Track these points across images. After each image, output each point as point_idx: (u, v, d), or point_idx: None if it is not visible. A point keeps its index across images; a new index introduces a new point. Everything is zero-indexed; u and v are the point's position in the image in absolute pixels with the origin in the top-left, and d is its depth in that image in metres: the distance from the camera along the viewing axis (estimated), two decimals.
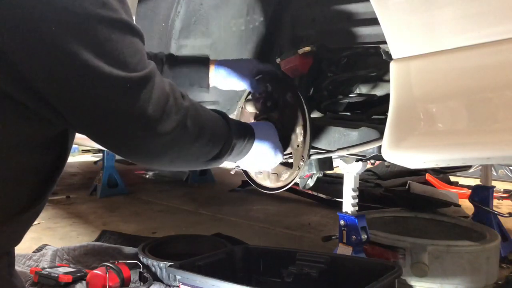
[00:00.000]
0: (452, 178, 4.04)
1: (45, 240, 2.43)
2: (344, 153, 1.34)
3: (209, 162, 1.06)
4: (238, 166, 1.30)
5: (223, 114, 1.10)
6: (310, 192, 3.52)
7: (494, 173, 3.78)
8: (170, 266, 1.32)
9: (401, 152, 0.99)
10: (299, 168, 1.28)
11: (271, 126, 1.28)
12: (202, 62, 1.36)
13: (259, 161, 1.22)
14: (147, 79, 0.83)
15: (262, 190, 1.40)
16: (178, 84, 1.35)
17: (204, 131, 0.98)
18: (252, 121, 1.39)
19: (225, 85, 1.37)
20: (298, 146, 1.28)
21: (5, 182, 0.85)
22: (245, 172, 1.44)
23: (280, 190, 1.35)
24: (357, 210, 1.60)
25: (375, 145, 1.22)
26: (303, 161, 1.27)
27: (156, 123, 0.85)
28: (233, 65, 1.35)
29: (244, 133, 1.14)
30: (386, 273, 1.21)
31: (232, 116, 1.47)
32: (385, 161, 1.09)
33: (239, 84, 1.35)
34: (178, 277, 1.30)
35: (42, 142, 0.87)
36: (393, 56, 0.95)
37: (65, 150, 0.95)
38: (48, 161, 0.91)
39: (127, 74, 0.80)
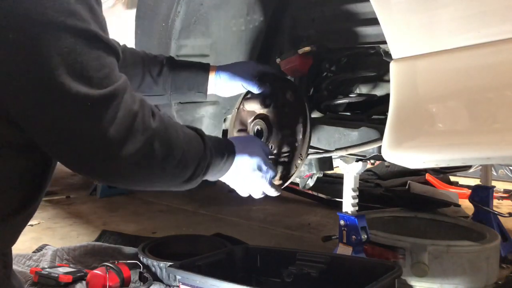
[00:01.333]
0: (452, 178, 4.04)
1: (45, 240, 2.42)
2: (342, 153, 1.33)
3: (184, 184, 1.00)
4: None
5: (200, 131, 1.04)
6: (310, 192, 3.52)
7: (494, 173, 3.78)
8: (170, 266, 1.32)
9: (401, 152, 0.99)
10: (296, 167, 1.27)
11: (255, 140, 1.23)
12: (202, 67, 1.34)
13: (245, 179, 1.15)
14: (112, 97, 0.78)
15: None
16: (176, 87, 1.33)
17: (174, 152, 0.92)
18: (250, 120, 1.39)
19: (227, 90, 1.35)
20: (296, 144, 1.27)
21: None
22: None
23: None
24: (357, 210, 1.60)
25: (374, 146, 1.22)
26: (301, 159, 1.26)
27: (119, 145, 0.80)
28: (234, 69, 1.34)
29: (222, 150, 1.08)
30: (386, 273, 1.21)
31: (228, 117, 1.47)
32: (385, 161, 1.09)
33: (242, 87, 1.34)
34: (178, 277, 1.30)
35: (25, 145, 0.84)
36: (393, 56, 0.95)
37: None
38: (36, 164, 0.88)
39: (88, 91, 0.74)
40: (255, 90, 1.33)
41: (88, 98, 0.74)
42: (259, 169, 1.14)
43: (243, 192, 1.21)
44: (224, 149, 1.09)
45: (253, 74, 1.34)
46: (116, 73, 0.81)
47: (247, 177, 1.15)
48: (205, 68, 1.34)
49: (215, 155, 1.04)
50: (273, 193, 1.22)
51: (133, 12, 1.61)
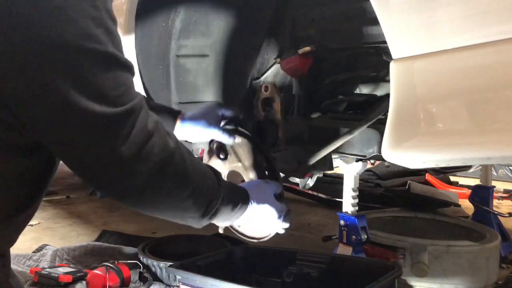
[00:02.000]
0: (452, 178, 4.04)
1: (45, 240, 2.42)
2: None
3: (191, 219, 0.98)
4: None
5: (216, 172, 1.02)
6: (310, 192, 3.52)
7: (494, 173, 3.78)
8: (170, 266, 1.32)
9: (401, 152, 0.99)
10: None
11: (264, 185, 1.20)
12: (171, 114, 1.30)
13: (258, 226, 1.18)
14: (127, 115, 0.78)
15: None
16: None
17: (186, 183, 0.90)
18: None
19: (193, 136, 1.31)
20: None
21: None
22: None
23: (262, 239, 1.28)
24: (357, 210, 1.60)
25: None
26: None
27: (130, 163, 0.79)
28: (197, 117, 1.29)
29: (236, 197, 1.07)
30: (386, 273, 1.21)
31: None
32: (385, 161, 1.09)
33: (206, 135, 1.30)
34: (178, 277, 1.30)
35: (24, 148, 0.83)
36: (393, 56, 0.95)
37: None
38: (36, 165, 0.87)
39: (103, 109, 0.75)
40: (217, 138, 1.31)
41: (103, 116, 0.75)
42: (273, 215, 1.16)
43: (254, 234, 1.25)
44: (238, 196, 1.08)
45: (218, 119, 1.31)
46: (133, 91, 0.82)
47: (259, 224, 1.17)
48: (174, 115, 1.30)
49: (228, 199, 1.02)
50: (283, 230, 1.23)
51: (131, 37, 1.59)
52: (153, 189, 0.85)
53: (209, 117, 1.29)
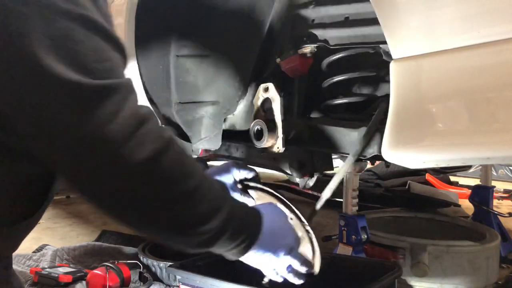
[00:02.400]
0: (452, 178, 4.04)
1: (45, 240, 2.42)
2: None
3: (185, 236, 0.81)
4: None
5: (225, 187, 0.89)
6: (310, 192, 3.52)
7: (494, 173, 3.78)
8: (170, 266, 1.32)
9: (401, 152, 0.99)
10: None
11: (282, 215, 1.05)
12: None
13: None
14: (111, 90, 0.65)
15: None
16: None
17: (187, 180, 0.74)
18: None
19: None
20: None
21: None
22: None
23: None
24: (357, 210, 1.60)
25: None
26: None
27: (121, 148, 0.65)
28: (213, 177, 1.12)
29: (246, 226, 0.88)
30: (386, 273, 1.21)
31: None
32: (385, 161, 1.09)
33: None
34: (178, 277, 1.30)
35: (19, 149, 0.72)
36: (393, 56, 0.95)
37: None
38: (39, 171, 0.78)
39: (81, 79, 0.63)
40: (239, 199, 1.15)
41: (81, 86, 0.63)
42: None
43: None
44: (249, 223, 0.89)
45: (233, 181, 1.14)
46: (121, 71, 0.71)
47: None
48: None
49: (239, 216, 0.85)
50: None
51: (132, 37, 1.59)
52: (148, 182, 0.69)
53: (226, 179, 1.12)
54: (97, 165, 0.66)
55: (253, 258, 0.92)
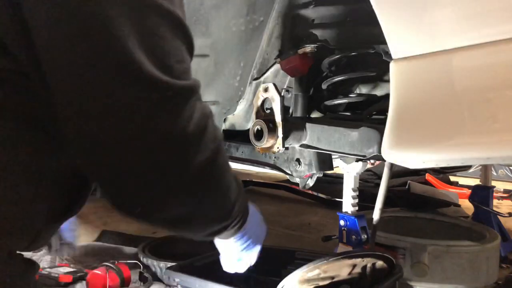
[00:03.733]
0: (452, 178, 4.04)
1: None
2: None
3: (214, 225, 0.83)
4: None
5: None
6: (310, 192, 3.52)
7: (494, 173, 3.78)
8: (168, 268, 1.31)
9: (401, 152, 0.99)
10: None
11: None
12: None
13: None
14: (191, 92, 0.67)
15: None
16: None
17: (227, 176, 0.78)
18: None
19: None
20: None
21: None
22: None
23: None
24: (357, 210, 1.60)
25: None
26: None
27: (194, 148, 0.67)
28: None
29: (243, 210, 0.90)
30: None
31: None
32: (385, 161, 1.10)
33: None
34: (176, 279, 1.29)
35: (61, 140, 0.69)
36: (393, 56, 0.95)
37: None
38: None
39: (169, 80, 0.62)
40: None
41: (170, 87, 0.62)
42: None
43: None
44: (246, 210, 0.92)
45: None
46: (191, 74, 0.71)
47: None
48: None
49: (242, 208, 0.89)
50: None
51: None
52: (206, 177, 0.72)
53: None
54: (176, 162, 0.66)
55: (229, 242, 0.96)
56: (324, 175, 1.65)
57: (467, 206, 2.63)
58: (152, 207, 0.70)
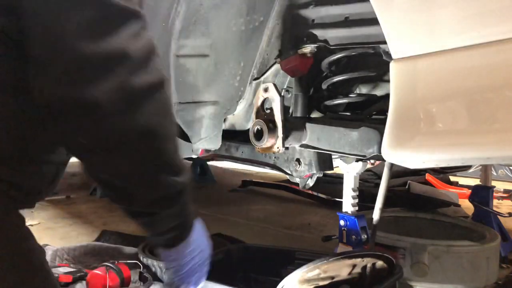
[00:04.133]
0: (452, 178, 4.04)
1: (45, 240, 2.42)
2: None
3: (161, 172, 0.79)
4: None
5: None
6: (310, 192, 3.52)
7: (494, 173, 3.78)
8: (167, 269, 1.31)
9: (401, 152, 0.99)
10: None
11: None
12: None
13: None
14: (137, 16, 0.70)
15: None
16: None
17: (172, 124, 0.79)
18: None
19: None
20: None
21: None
22: None
23: None
24: (357, 210, 1.60)
25: None
26: None
27: (138, 66, 0.69)
28: None
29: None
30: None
31: None
32: (385, 161, 1.09)
33: None
34: None
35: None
36: (393, 56, 0.95)
37: None
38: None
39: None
40: None
41: (111, 5, 0.66)
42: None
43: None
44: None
45: None
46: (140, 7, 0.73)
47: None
48: None
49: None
50: None
51: None
52: (149, 106, 0.71)
53: None
54: (111, 76, 0.66)
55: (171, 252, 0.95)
56: (324, 175, 1.65)
57: (467, 206, 2.63)
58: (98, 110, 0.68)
